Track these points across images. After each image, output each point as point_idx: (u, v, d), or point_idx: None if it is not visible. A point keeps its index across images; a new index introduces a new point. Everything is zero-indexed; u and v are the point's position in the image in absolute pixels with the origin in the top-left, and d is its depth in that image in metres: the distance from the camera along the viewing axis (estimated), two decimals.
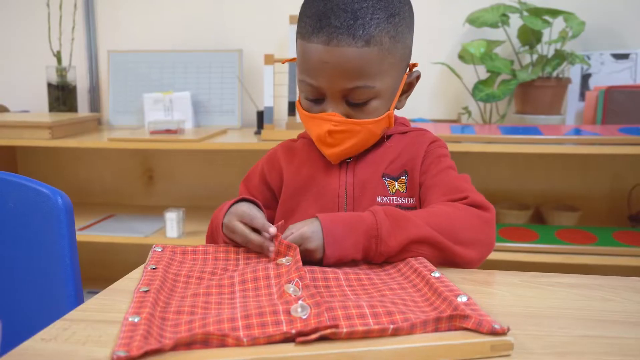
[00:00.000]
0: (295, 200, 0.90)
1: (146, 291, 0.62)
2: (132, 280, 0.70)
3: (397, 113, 0.91)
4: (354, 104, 0.82)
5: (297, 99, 0.88)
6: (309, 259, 0.73)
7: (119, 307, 0.62)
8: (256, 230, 0.77)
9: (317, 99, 0.83)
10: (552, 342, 0.55)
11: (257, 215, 0.79)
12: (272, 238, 0.75)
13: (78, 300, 0.85)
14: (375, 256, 0.74)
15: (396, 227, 0.74)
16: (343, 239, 0.73)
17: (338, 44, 0.77)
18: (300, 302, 0.57)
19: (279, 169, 0.93)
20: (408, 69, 0.88)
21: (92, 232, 1.83)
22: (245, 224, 0.78)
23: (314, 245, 0.73)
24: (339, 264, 0.74)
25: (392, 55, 0.81)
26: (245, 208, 0.81)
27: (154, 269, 0.70)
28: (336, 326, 0.52)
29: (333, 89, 0.81)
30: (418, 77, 0.90)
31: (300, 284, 0.62)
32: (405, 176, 0.87)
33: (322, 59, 0.79)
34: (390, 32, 0.79)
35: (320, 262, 0.73)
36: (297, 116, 1.73)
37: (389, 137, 0.90)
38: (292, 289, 0.61)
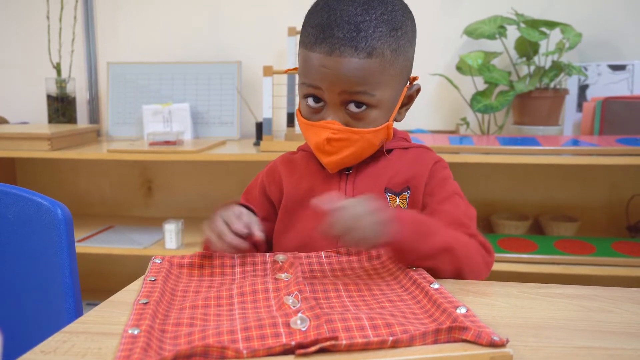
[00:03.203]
0: (295, 212, 0.90)
1: (145, 303, 0.62)
2: (131, 292, 0.70)
3: (397, 125, 0.91)
4: (353, 112, 0.82)
5: (297, 108, 0.88)
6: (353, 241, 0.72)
7: (119, 319, 0.62)
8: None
9: (316, 108, 0.83)
10: (551, 353, 0.55)
11: (249, 217, 0.81)
12: (246, 237, 0.78)
13: (77, 312, 0.85)
14: (400, 260, 0.76)
15: (423, 236, 0.76)
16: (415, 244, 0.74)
17: (340, 55, 0.78)
18: (299, 314, 0.57)
19: (279, 182, 0.93)
20: (409, 82, 0.88)
21: (91, 244, 1.83)
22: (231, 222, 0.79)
23: (365, 235, 0.71)
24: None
25: (393, 68, 0.81)
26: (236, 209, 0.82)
27: (153, 280, 0.70)
28: (335, 338, 0.52)
29: (332, 94, 0.81)
30: (418, 91, 0.90)
31: (299, 296, 0.62)
32: (408, 192, 0.87)
33: (323, 65, 0.79)
34: (392, 45, 0.80)
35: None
36: (296, 127, 1.74)
37: (389, 151, 0.90)
38: (291, 301, 0.61)
